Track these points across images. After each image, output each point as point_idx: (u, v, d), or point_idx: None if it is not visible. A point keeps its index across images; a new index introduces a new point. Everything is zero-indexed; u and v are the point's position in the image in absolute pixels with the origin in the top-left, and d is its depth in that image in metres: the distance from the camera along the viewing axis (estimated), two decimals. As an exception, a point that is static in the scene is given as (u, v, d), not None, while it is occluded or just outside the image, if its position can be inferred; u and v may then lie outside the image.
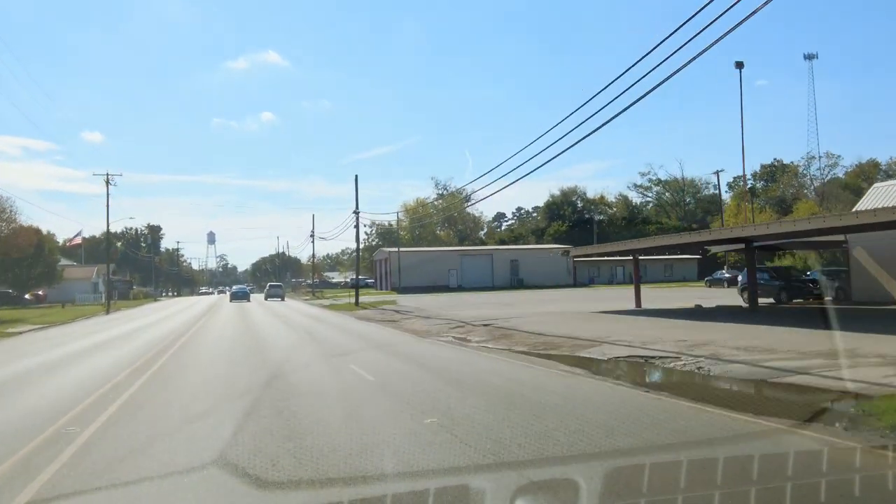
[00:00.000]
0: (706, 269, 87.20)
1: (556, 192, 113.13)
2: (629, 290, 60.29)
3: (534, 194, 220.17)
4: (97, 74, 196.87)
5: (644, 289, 64.89)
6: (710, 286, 58.78)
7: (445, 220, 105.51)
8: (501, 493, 5.08)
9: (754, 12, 12.40)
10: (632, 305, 34.06)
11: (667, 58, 13.90)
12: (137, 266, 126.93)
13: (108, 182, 62.71)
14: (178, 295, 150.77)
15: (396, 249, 77.97)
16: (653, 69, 14.62)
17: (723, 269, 64.28)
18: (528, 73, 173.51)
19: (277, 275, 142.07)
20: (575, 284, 79.39)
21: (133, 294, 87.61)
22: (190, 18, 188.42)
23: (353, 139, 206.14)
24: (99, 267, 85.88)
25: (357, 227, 48.76)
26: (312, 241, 78.34)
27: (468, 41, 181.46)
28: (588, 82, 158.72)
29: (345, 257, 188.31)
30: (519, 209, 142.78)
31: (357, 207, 47.76)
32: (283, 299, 69.36)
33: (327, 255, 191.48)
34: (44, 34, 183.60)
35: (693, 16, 12.99)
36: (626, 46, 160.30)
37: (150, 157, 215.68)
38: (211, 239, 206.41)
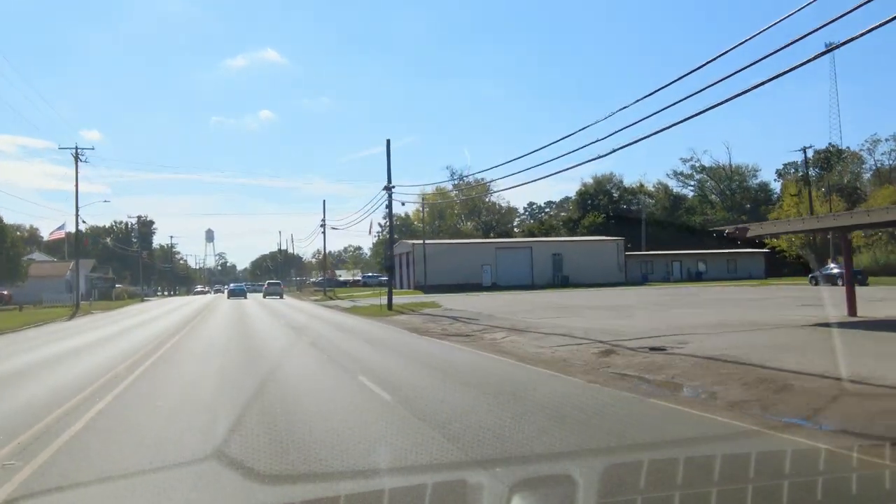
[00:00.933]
0: (773, 266, 76.14)
1: (589, 181, 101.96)
2: (711, 290, 48.99)
3: (544, 188, 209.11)
4: (95, 72, 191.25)
5: (716, 288, 53.82)
6: (816, 284, 47.56)
7: (468, 211, 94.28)
8: None
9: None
10: (795, 310, 23.04)
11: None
12: (127, 263, 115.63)
13: (76, 157, 51.52)
14: (173, 294, 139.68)
15: (421, 241, 66.72)
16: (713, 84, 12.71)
17: (829, 263, 52.97)
18: (530, 71, 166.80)
19: (280, 272, 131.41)
20: (627, 282, 68.32)
21: (116, 293, 76.29)
22: (188, 16, 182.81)
23: (353, 137, 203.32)
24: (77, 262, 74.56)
25: (389, 206, 37.67)
26: (323, 232, 66.98)
27: (467, 40, 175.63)
28: (588, 82, 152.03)
29: (347, 255, 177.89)
30: (531, 204, 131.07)
31: (389, 181, 36.63)
32: (281, 297, 68.96)
33: (330, 252, 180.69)
34: (41, 32, 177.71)
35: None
36: (627, 45, 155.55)
37: (149, 156, 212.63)
38: (209, 236, 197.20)
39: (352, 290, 75.33)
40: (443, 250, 67.37)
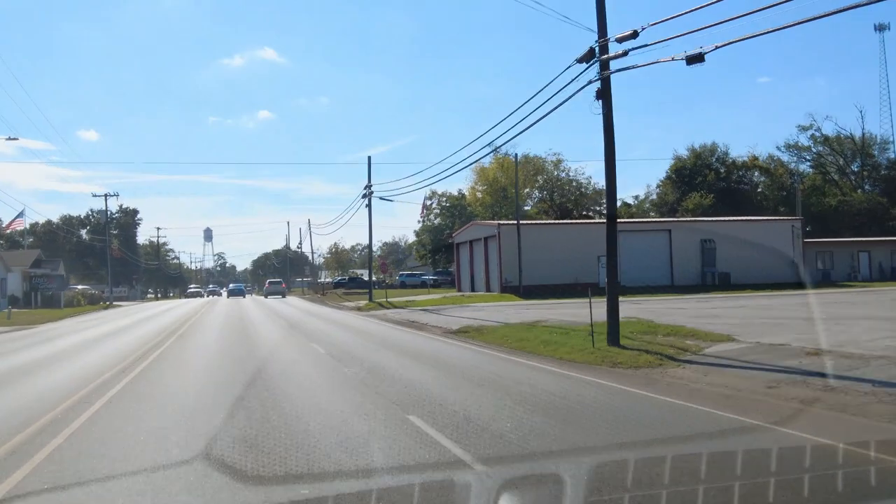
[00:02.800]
0: None
1: (683, 153, 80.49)
2: None
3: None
4: (92, 72, 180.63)
5: None
6: None
7: (537, 189, 72.61)
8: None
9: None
10: None
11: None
12: (107, 260, 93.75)
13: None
14: (164, 296, 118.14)
15: (514, 222, 44.96)
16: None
17: None
18: (530, 70, 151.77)
19: (286, 271, 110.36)
20: (801, 282, 47.03)
21: (68, 297, 54.45)
22: (185, 15, 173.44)
23: (352, 137, 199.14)
24: (13, 254, 52.97)
25: (604, 88, 16.13)
26: (368, 204, 44.11)
27: (464, 40, 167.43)
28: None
29: (355, 255, 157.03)
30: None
31: (602, 23, 14.97)
32: (283, 296, 67.31)
33: (341, 249, 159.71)
34: (37, 31, 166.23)
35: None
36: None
37: (146, 157, 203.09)
38: (208, 236, 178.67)
39: (401, 293, 53.60)
40: (540, 235, 45.76)
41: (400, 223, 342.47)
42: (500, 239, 45.04)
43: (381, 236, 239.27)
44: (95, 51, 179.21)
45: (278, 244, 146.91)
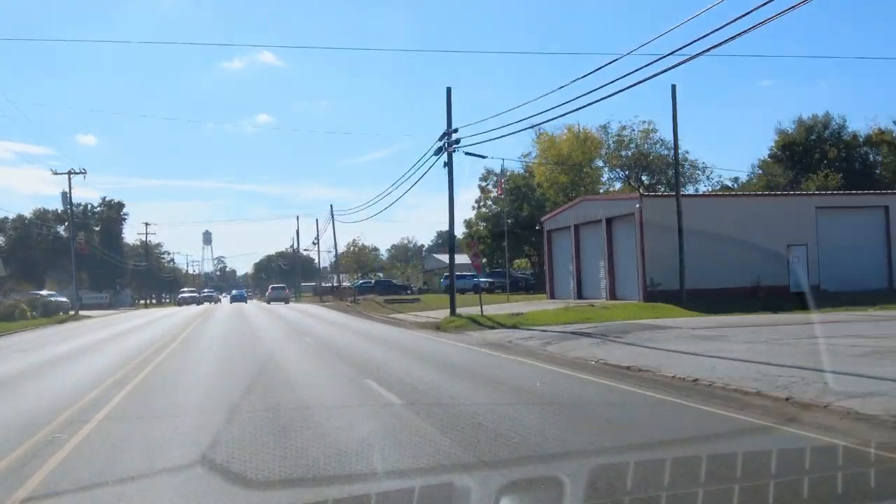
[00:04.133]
0: None
1: (788, 128, 65.70)
2: None
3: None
4: (90, 76, 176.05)
5: None
6: None
7: (618, 166, 57.47)
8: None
9: None
10: None
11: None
12: (89, 261, 78.79)
13: None
14: (157, 302, 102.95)
15: (672, 194, 29.73)
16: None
17: None
18: (528, 71, 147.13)
19: (299, 273, 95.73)
20: None
21: (7, 308, 38.88)
22: (183, 19, 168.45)
23: (352, 140, 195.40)
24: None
25: None
26: (447, 163, 28.31)
27: (462, 40, 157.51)
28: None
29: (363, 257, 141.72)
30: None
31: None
32: (286, 302, 65.07)
33: (361, 246, 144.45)
34: (34, 34, 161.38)
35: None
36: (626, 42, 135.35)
37: (145, 161, 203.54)
38: (207, 239, 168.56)
39: (467, 302, 38.32)
40: (699, 215, 30.29)
41: (406, 218, 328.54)
42: (643, 219, 29.68)
43: (386, 239, 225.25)
44: (94, 55, 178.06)
45: (279, 247, 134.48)
